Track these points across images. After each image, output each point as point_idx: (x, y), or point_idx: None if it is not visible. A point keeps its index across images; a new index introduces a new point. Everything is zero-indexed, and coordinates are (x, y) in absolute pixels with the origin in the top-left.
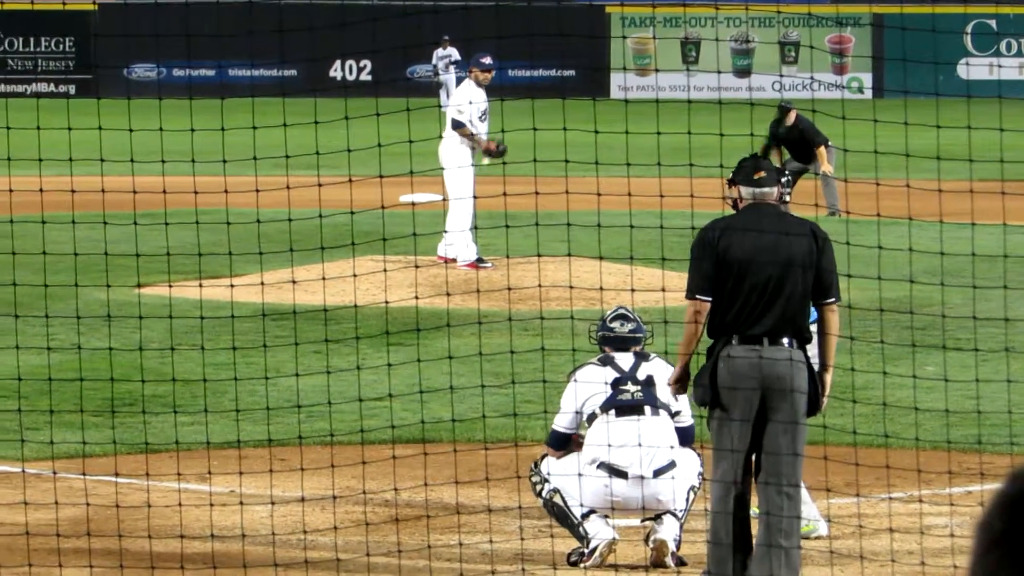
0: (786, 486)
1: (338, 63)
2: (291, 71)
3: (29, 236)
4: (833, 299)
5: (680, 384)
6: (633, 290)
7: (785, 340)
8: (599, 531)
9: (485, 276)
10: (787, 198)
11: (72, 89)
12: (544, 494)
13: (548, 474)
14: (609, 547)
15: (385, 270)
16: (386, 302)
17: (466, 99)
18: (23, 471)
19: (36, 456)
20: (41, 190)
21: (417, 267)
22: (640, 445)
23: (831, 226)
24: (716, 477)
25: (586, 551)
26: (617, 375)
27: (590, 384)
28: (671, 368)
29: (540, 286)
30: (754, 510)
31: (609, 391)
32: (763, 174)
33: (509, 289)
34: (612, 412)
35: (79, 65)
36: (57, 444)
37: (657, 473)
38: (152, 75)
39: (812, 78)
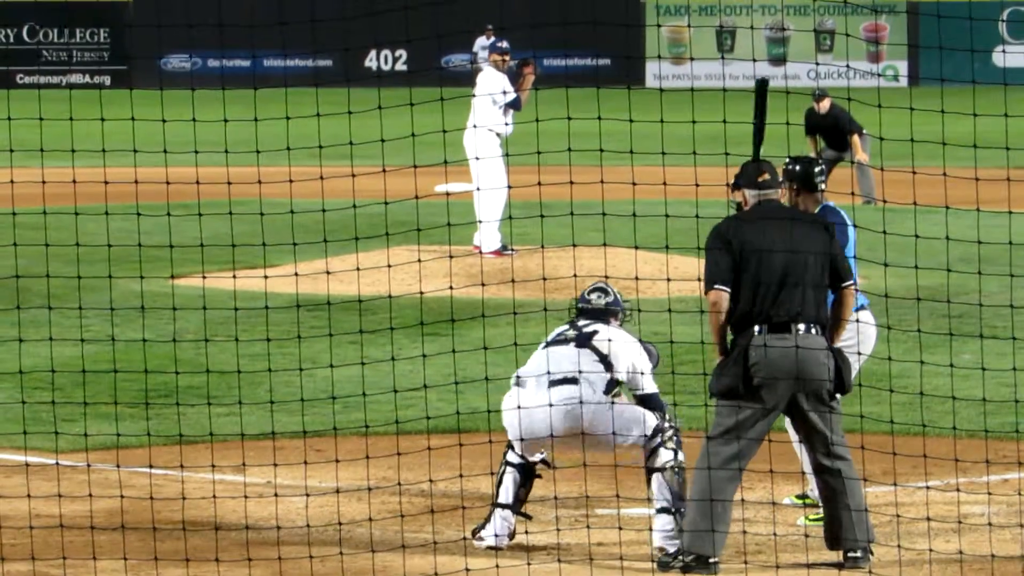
0: (838, 458)
1: (373, 52)
2: (325, 61)
3: (63, 228)
4: (852, 281)
5: None
6: (669, 279)
7: (813, 328)
8: (495, 529)
9: (520, 266)
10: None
11: (107, 80)
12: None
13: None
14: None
15: (420, 260)
16: (421, 292)
17: (499, 86)
18: (57, 463)
19: (70, 448)
20: (75, 181)
21: (452, 257)
22: (548, 363)
23: (867, 214)
24: (723, 456)
25: (483, 532)
26: (566, 327)
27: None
28: (630, 338)
29: (575, 275)
30: (788, 499)
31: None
32: (767, 176)
33: (544, 279)
34: (543, 345)
35: (114, 56)
36: (91, 436)
37: (554, 383)
38: (186, 66)
39: (848, 66)
